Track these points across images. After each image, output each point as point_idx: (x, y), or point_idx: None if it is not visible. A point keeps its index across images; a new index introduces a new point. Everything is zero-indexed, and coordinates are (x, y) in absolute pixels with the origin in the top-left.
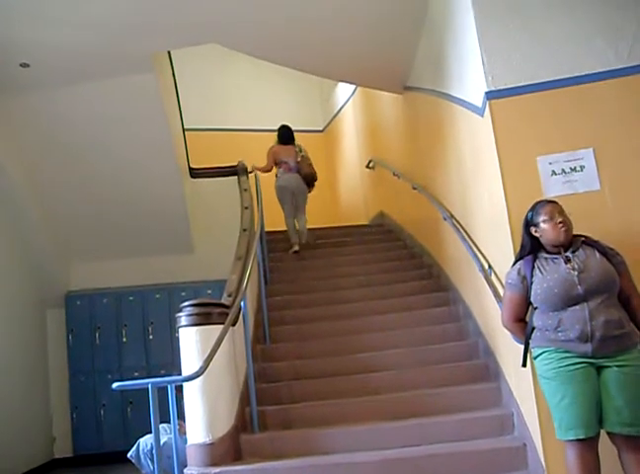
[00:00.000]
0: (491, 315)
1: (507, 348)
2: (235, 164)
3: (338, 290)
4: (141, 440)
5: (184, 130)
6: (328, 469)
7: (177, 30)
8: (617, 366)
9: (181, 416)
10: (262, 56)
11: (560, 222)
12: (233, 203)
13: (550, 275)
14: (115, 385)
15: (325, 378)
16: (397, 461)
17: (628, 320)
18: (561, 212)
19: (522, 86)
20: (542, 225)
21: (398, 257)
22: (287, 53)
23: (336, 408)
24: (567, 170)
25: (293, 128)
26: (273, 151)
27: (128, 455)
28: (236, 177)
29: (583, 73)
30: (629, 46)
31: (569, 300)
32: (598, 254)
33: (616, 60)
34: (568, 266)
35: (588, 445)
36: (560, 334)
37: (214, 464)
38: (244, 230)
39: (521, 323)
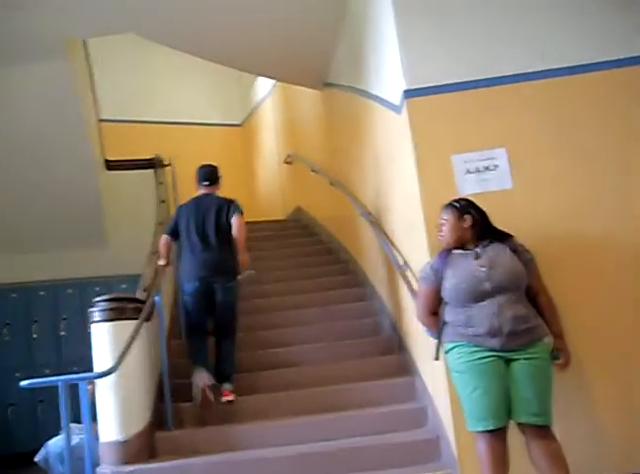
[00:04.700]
0: (406, 311)
1: (420, 343)
2: (152, 157)
3: (254, 285)
4: (50, 443)
5: (99, 121)
6: (244, 465)
7: (91, 17)
8: (525, 359)
9: (92, 416)
10: (179, 48)
11: (439, 228)
12: (149, 197)
13: (460, 270)
14: (23, 383)
15: (241, 373)
16: (313, 455)
17: (535, 315)
18: (444, 217)
19: (439, 85)
20: None
21: (315, 252)
22: (205, 45)
23: (252, 403)
24: (481, 168)
25: (211, 122)
26: None
27: (35, 459)
28: (152, 170)
29: (498, 75)
30: (541, 50)
31: (477, 296)
32: (508, 250)
33: (529, 63)
34: (477, 262)
35: (497, 436)
36: (470, 329)
37: (128, 462)
38: (160, 224)
39: (435, 316)
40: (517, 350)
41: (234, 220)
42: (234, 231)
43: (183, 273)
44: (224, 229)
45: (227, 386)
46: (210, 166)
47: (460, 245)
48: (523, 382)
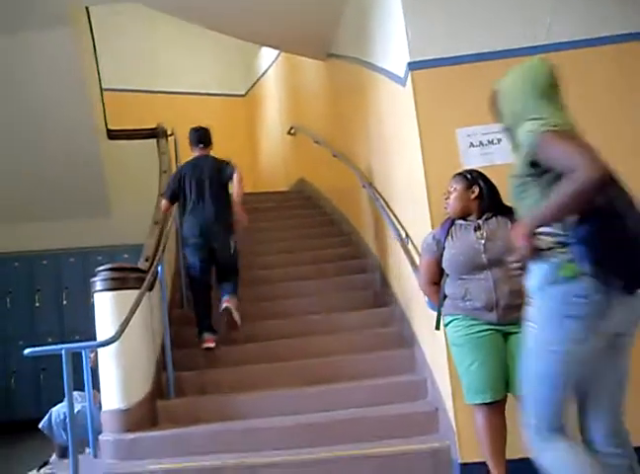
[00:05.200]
0: (407, 283)
1: (421, 315)
2: (154, 126)
3: (257, 256)
4: (53, 410)
5: (102, 90)
6: (243, 434)
7: None
8: (522, 333)
9: (95, 385)
10: (184, 17)
11: (446, 196)
12: (152, 167)
13: (459, 241)
14: (26, 351)
15: (241, 344)
16: (312, 426)
17: None
18: (453, 186)
19: (444, 58)
20: None
21: (318, 224)
22: (209, 15)
23: (252, 373)
24: (484, 142)
25: (214, 92)
26: None
27: (40, 426)
28: (155, 140)
29: (502, 48)
30: (547, 24)
31: (473, 268)
32: (510, 224)
33: (534, 37)
34: (477, 234)
35: (495, 408)
36: (468, 303)
37: (130, 430)
38: (162, 194)
39: (437, 286)
40: (514, 323)
41: (235, 176)
42: (234, 184)
43: (185, 229)
44: (223, 188)
45: (227, 297)
46: (203, 128)
47: (465, 216)
48: (520, 356)
